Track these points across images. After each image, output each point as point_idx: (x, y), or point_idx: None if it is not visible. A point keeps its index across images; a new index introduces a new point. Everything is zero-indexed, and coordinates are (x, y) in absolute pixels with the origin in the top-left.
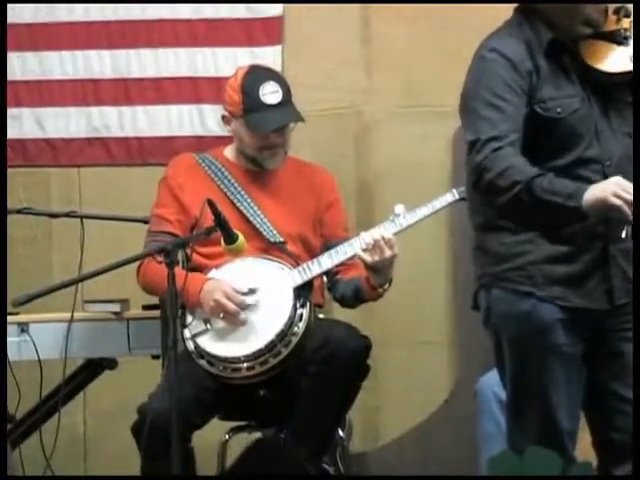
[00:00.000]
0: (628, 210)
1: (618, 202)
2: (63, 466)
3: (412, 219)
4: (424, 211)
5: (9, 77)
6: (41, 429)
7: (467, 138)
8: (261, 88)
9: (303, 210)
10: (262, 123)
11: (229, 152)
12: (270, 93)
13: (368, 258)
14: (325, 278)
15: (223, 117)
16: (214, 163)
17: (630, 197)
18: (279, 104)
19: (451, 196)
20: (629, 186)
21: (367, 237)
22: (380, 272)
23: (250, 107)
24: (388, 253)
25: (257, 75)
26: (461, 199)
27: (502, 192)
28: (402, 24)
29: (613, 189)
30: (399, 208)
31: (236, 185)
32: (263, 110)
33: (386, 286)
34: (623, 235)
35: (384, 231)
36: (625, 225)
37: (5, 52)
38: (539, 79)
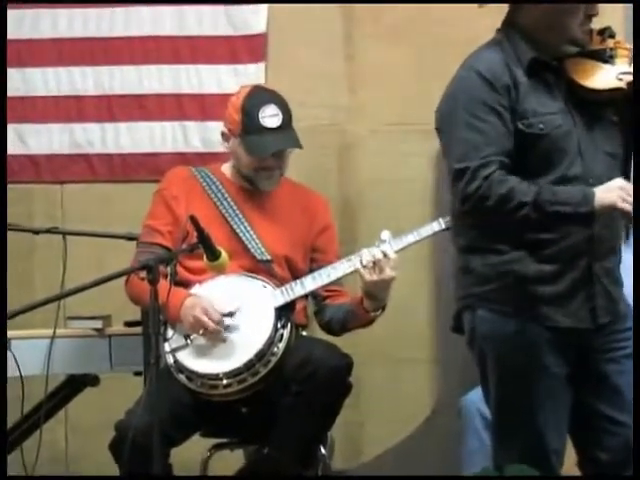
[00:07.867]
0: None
1: (628, 207)
2: None
3: (397, 246)
4: (410, 238)
5: None
6: (22, 446)
7: (452, 165)
8: (261, 111)
9: (295, 233)
10: (259, 146)
11: (226, 169)
12: (270, 116)
13: (367, 275)
14: (313, 302)
15: (222, 134)
16: (210, 177)
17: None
18: (278, 128)
19: (437, 225)
20: (631, 187)
21: (367, 254)
22: (376, 294)
23: (249, 129)
24: (389, 273)
25: (259, 97)
26: (447, 229)
27: (509, 215)
28: (385, 41)
29: (619, 194)
30: (385, 234)
31: (230, 201)
32: (262, 133)
33: (379, 312)
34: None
35: (388, 249)
36: (628, 227)
37: (5, 61)
38: (518, 94)
